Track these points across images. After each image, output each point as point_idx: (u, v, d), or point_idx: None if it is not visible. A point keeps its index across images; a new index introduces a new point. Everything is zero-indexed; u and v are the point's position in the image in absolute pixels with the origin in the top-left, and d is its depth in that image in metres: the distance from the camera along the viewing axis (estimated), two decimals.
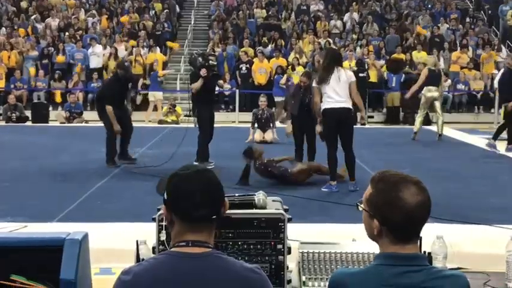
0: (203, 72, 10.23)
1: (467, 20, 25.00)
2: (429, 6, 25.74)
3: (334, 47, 19.01)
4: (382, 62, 21.13)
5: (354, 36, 23.17)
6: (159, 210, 3.64)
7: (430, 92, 13.66)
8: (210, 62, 10.50)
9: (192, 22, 25.11)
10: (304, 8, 25.20)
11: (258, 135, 13.93)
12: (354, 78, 8.42)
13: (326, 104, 8.29)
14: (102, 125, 10.85)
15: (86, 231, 3.00)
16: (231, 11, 24.86)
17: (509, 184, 9.22)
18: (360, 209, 2.17)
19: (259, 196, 3.53)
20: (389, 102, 20.19)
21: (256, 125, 14.07)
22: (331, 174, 8.50)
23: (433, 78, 13.64)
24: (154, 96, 19.87)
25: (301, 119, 9.83)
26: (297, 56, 21.00)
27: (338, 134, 8.39)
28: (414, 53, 21.30)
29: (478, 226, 6.41)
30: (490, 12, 25.90)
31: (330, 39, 22.18)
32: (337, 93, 8.21)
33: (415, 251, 2.11)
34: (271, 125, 14.07)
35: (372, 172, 9.69)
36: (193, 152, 10.45)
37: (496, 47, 22.29)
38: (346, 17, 24.43)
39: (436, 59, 16.45)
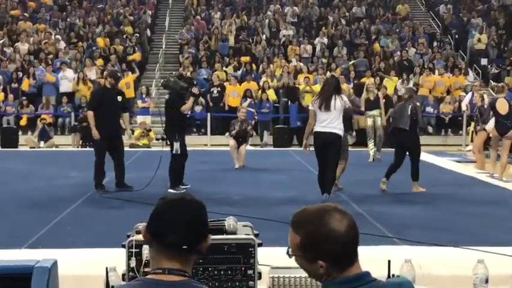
0: (196, 90, 10.30)
1: (435, 44, 25.42)
2: (397, 30, 26.13)
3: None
4: (351, 85, 21.33)
5: (324, 60, 23.40)
6: (128, 236, 3.63)
7: (370, 117, 14.78)
8: (194, 81, 10.63)
9: (163, 46, 25.15)
10: (275, 31, 25.42)
11: (233, 144, 13.39)
12: (348, 104, 9.25)
13: (316, 128, 9.08)
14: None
15: (55, 258, 2.98)
16: (202, 35, 24.96)
17: (476, 206, 9.33)
18: (293, 257, 2.15)
19: (230, 221, 3.54)
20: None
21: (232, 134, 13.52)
22: (322, 190, 9.15)
23: (372, 104, 14.73)
24: (145, 120, 19.67)
25: None
26: (268, 79, 21.13)
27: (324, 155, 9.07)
28: (386, 80, 21.52)
29: (446, 248, 6.48)
30: (457, 36, 26.38)
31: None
32: (329, 118, 8.94)
33: (359, 270, 2.12)
34: (247, 140, 13.73)
35: (342, 195, 9.79)
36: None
37: (463, 71, 22.66)
38: (316, 41, 24.68)
39: (373, 83, 17.08)
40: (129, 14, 26.38)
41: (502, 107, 11.77)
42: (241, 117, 13.63)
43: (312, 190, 10.27)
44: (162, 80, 10.85)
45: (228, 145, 13.80)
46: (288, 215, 7.44)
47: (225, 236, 3.46)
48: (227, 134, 13.65)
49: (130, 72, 21.76)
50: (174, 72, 18.53)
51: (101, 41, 23.99)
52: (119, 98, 10.51)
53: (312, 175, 12.37)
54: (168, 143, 10.36)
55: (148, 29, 26.04)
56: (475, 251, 5.96)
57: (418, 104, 11.07)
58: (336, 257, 2.07)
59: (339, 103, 8.97)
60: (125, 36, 24.59)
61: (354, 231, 2.10)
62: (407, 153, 10.45)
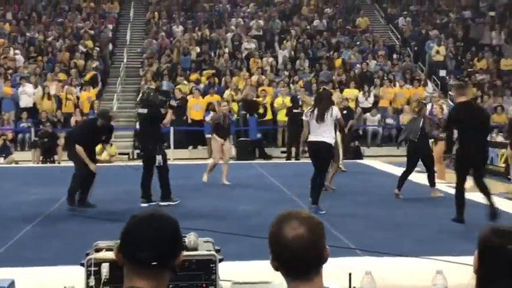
0: (174, 103, 10.56)
1: (395, 56, 25.78)
2: (358, 43, 26.43)
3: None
4: (313, 98, 21.49)
5: (286, 73, 23.53)
6: (87, 255, 3.57)
7: None
8: (171, 94, 10.67)
9: (125, 60, 25.00)
10: (237, 44, 25.48)
11: (216, 144, 12.90)
12: (339, 115, 9.91)
13: (310, 137, 9.76)
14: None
15: (13, 277, 2.92)
16: (164, 49, 24.89)
17: (436, 216, 9.44)
18: None
19: (190, 237, 3.51)
20: None
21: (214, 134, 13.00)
22: (313, 198, 9.69)
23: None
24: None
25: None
26: (232, 92, 21.15)
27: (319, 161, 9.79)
28: (346, 90, 21.74)
29: (408, 258, 6.54)
30: (416, 48, 26.78)
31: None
32: (322, 129, 9.59)
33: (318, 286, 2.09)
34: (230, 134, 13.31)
35: (304, 206, 9.81)
36: (135, 190, 10.36)
37: (422, 82, 22.99)
38: (279, 54, 24.81)
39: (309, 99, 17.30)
40: (89, 28, 26.17)
41: None
42: (223, 111, 13.19)
43: (276, 202, 10.29)
44: (140, 95, 10.90)
45: (192, 158, 13.78)
46: (253, 228, 7.45)
47: (185, 253, 3.43)
48: (212, 135, 13.09)
49: (91, 87, 21.56)
50: (150, 86, 18.49)
51: (62, 55, 23.74)
52: (103, 137, 10.68)
53: (275, 187, 12.43)
54: (144, 157, 10.51)
55: (110, 43, 25.87)
56: (436, 261, 6.02)
57: (428, 116, 12.07)
58: (283, 263, 2.07)
59: (332, 115, 9.64)
60: (85, 50, 24.38)
61: (303, 244, 2.05)
62: (419, 161, 11.36)
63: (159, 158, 10.29)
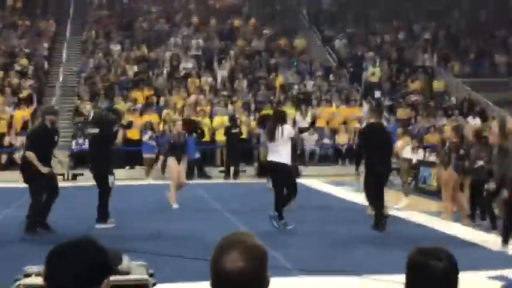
0: (125, 122, 10.48)
1: (331, 77, 26.18)
2: (295, 64, 26.73)
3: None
4: (252, 117, 21.58)
5: (225, 93, 23.58)
6: (16, 280, 3.46)
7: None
8: (120, 113, 10.70)
9: (61, 79, 24.55)
10: (176, 64, 25.40)
11: (173, 163, 12.63)
12: (293, 134, 10.30)
13: (268, 157, 10.18)
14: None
15: None
16: (100, 67, 24.58)
17: (371, 235, 9.56)
18: None
19: (123, 261, 3.45)
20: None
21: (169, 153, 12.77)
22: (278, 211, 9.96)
23: None
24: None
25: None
26: (170, 111, 21.02)
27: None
28: (283, 108, 21.90)
29: (346, 277, 6.59)
30: (352, 69, 27.27)
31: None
32: (275, 148, 9.88)
33: None
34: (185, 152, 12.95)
35: (242, 227, 9.79)
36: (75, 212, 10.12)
37: (358, 103, 23.42)
38: (217, 74, 24.85)
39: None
40: (24, 46, 25.63)
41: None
42: (177, 130, 13.01)
43: (214, 223, 10.24)
44: (92, 115, 10.86)
45: (129, 178, 13.53)
46: (191, 250, 7.35)
47: (117, 277, 3.36)
48: (167, 156, 12.67)
49: (26, 106, 21.08)
50: (102, 106, 18.26)
51: None
52: (56, 138, 10.27)
53: (213, 207, 12.37)
54: (97, 177, 10.36)
55: (45, 61, 25.38)
56: (368, 279, 6.09)
57: None
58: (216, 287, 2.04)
59: (283, 134, 9.88)
60: (20, 68, 23.85)
61: (240, 278, 2.00)
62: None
63: (111, 178, 10.32)
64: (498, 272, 6.85)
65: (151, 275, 3.45)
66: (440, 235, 9.36)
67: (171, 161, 12.56)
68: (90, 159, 10.29)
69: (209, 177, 19.55)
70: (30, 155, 9.68)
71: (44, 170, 9.68)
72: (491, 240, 9.06)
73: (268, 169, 10.32)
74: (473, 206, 10.62)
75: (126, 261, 3.45)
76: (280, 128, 9.92)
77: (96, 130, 10.45)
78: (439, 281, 2.28)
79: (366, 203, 11.78)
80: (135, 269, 3.50)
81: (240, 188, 16.61)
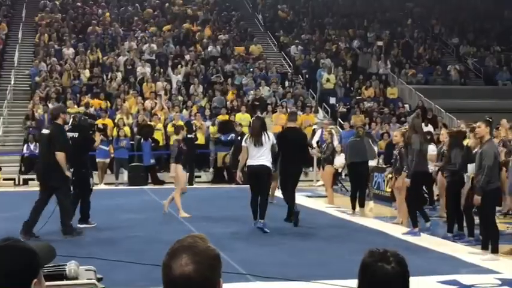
0: (101, 125, 11.27)
1: (287, 83, 26.29)
2: (251, 69, 26.78)
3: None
4: (209, 123, 21.50)
5: (180, 98, 23.45)
6: None
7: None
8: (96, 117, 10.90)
9: (12, 82, 24.06)
10: (130, 68, 25.16)
11: (181, 170, 12.26)
12: (274, 141, 10.65)
13: (249, 162, 10.49)
14: None
15: None
16: (53, 71, 24.17)
17: (325, 240, 9.61)
18: None
19: (71, 266, 3.37)
20: (219, 162, 20.48)
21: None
22: (254, 214, 10.47)
23: None
24: None
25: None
26: (124, 116, 20.79)
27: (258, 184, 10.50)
28: (238, 114, 21.90)
29: (297, 283, 6.59)
30: (307, 76, 27.46)
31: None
32: (260, 153, 10.36)
33: None
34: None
35: (194, 230, 9.70)
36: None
37: (313, 109, 23.54)
38: (173, 79, 24.70)
39: None
40: None
41: None
42: (182, 136, 12.83)
43: (167, 228, 10.15)
44: (71, 120, 10.97)
45: None
46: (142, 254, 7.25)
47: (64, 282, 3.28)
48: (175, 163, 12.10)
49: None
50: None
51: None
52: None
53: (166, 213, 12.25)
54: (78, 181, 10.41)
55: None
56: (323, 285, 6.10)
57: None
58: None
59: (267, 138, 10.47)
60: None
61: (187, 284, 1.97)
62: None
63: (92, 180, 10.73)
64: (450, 277, 6.94)
65: (99, 280, 3.37)
66: (396, 241, 9.45)
67: (180, 168, 12.24)
68: (71, 164, 10.08)
69: (162, 183, 19.36)
70: (62, 157, 9.56)
71: (68, 173, 9.78)
72: (448, 246, 9.19)
73: (251, 172, 10.51)
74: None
75: (74, 266, 3.36)
76: (265, 134, 10.53)
77: (75, 134, 10.60)
78: (387, 284, 2.29)
79: (319, 207, 11.84)
80: (83, 273, 3.42)
81: (194, 193, 16.52)
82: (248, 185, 10.67)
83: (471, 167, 9.16)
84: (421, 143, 10.25)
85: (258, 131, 10.55)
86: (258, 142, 10.42)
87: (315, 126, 20.65)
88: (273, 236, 9.96)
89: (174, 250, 2.03)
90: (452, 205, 10.12)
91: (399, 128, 15.01)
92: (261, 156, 10.40)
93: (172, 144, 11.75)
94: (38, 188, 10.19)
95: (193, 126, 20.15)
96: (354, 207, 12.15)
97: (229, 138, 20.57)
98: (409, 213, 10.36)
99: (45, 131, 10.34)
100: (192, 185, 18.82)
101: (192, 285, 1.97)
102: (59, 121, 10.04)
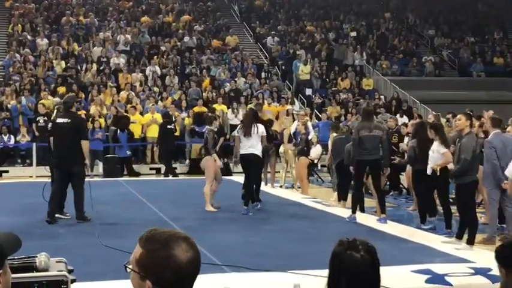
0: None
1: (263, 74, 26.28)
2: (227, 60, 26.72)
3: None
4: (184, 114, 21.40)
5: (156, 89, 23.32)
6: None
7: None
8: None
9: None
10: (105, 60, 24.96)
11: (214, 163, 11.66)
12: (265, 133, 11.34)
13: (241, 151, 11.25)
14: None
15: None
16: (26, 62, 23.89)
17: (299, 231, 9.64)
18: (129, 270, 2.06)
19: (41, 258, 3.32)
20: (193, 153, 20.40)
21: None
22: (245, 200, 11.25)
23: None
24: None
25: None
26: (99, 108, 20.62)
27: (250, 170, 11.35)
28: (215, 105, 21.84)
29: (268, 273, 6.60)
30: (283, 67, 27.47)
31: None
32: (250, 143, 11.10)
33: None
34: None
35: (172, 223, 9.69)
36: None
37: (289, 100, 23.55)
38: (147, 70, 24.55)
39: None
40: None
41: None
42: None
43: (142, 221, 10.11)
44: (62, 105, 10.87)
45: None
46: (118, 247, 7.14)
47: (34, 274, 3.24)
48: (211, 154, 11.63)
49: None
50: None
51: None
52: None
53: (144, 205, 12.19)
54: (75, 173, 10.28)
55: None
56: (294, 274, 6.12)
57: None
58: (165, 286, 1.97)
59: (258, 131, 11.11)
60: None
61: (194, 267, 2.01)
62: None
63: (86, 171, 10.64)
64: (423, 266, 7.00)
65: (70, 272, 3.34)
66: (370, 230, 9.51)
67: (211, 160, 11.60)
68: (60, 153, 10.03)
69: (138, 175, 19.27)
70: (88, 145, 10.55)
71: (88, 161, 10.51)
72: (419, 235, 9.28)
73: (243, 160, 11.29)
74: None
75: (44, 258, 3.33)
76: (255, 125, 11.14)
77: (66, 120, 10.31)
78: (356, 272, 2.31)
79: (295, 198, 11.87)
80: (53, 265, 3.39)
81: (171, 185, 16.49)
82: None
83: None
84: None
85: (248, 122, 11.23)
86: (247, 133, 11.10)
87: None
88: (248, 227, 9.97)
89: (170, 237, 2.02)
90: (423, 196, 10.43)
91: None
92: (250, 146, 11.11)
93: (206, 133, 11.59)
94: (12, 180, 10.10)
95: (173, 117, 20.06)
96: (355, 211, 10.71)
97: (204, 129, 20.50)
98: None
99: (62, 120, 10.36)
100: (168, 176, 18.78)
101: (196, 266, 2.03)
102: (74, 110, 10.59)
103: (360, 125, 10.54)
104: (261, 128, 11.27)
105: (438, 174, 9.49)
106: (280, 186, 15.37)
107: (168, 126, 19.09)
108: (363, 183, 11.30)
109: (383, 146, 10.26)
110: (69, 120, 10.25)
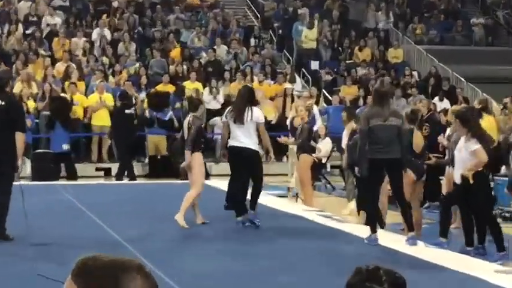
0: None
1: (253, 41, 26.24)
2: (203, 22, 26.67)
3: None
4: (143, 95, 21.38)
5: (105, 60, 23.29)
6: None
7: None
8: None
9: None
10: (35, 19, 24.89)
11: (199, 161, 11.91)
12: (262, 120, 11.53)
13: (230, 142, 11.39)
14: None
15: None
16: None
17: (302, 255, 9.69)
18: None
19: None
20: (151, 149, 20.24)
21: None
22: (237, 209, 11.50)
23: None
24: None
25: None
26: (25, 85, 20.53)
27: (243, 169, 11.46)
28: (186, 83, 21.84)
29: None
30: (280, 32, 27.43)
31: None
32: (243, 132, 11.15)
33: None
34: None
35: (127, 245, 9.70)
36: None
37: (288, 77, 23.55)
38: (94, 34, 24.50)
39: None
40: None
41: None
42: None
43: (88, 234, 10.13)
44: None
45: None
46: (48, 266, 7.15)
47: None
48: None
49: None
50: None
51: None
52: None
53: (89, 219, 12.19)
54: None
55: None
56: None
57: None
58: None
59: (252, 117, 11.12)
60: None
61: None
62: None
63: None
64: None
65: None
66: (396, 254, 9.57)
67: (198, 158, 11.74)
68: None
69: (77, 177, 19.22)
70: (23, 139, 10.45)
71: (20, 160, 10.61)
72: (464, 261, 9.33)
73: (233, 155, 11.39)
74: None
75: None
76: (249, 109, 11.13)
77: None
78: None
79: (294, 211, 11.92)
80: None
81: (129, 192, 16.49)
82: None
83: None
84: None
85: (240, 104, 11.31)
86: (238, 119, 11.15)
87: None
88: (231, 250, 10.02)
89: (119, 271, 2.04)
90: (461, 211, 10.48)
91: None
92: (242, 136, 11.17)
93: (190, 122, 11.50)
94: None
95: (133, 99, 20.00)
96: (375, 229, 10.67)
97: (167, 117, 20.48)
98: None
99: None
100: (121, 179, 18.74)
101: None
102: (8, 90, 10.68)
103: (371, 111, 10.54)
104: (257, 113, 11.34)
105: (472, 181, 9.56)
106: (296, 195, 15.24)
107: (127, 111, 18.98)
108: (378, 191, 11.09)
109: (402, 138, 10.24)
110: (3, 103, 10.17)
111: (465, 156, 9.67)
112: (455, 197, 10.25)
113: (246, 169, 11.51)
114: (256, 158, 11.55)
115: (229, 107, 12.01)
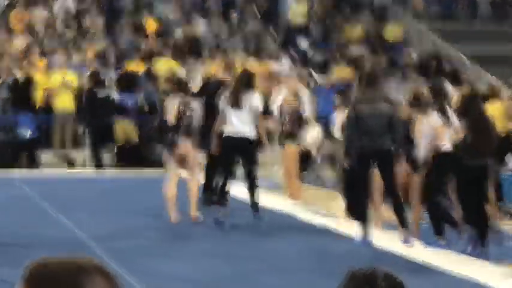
0: None
1: (233, 14, 26.18)
2: None
3: None
4: (113, 74, 21.35)
5: (69, 35, 23.23)
6: None
7: None
8: None
9: None
10: None
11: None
12: (259, 108, 11.76)
13: (227, 128, 11.60)
14: None
15: None
16: None
17: (288, 255, 9.79)
18: None
19: None
20: (120, 136, 20.17)
21: None
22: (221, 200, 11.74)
23: None
24: None
25: None
26: None
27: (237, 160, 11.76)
28: (160, 62, 21.81)
29: None
30: (266, 4, 27.28)
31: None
32: (240, 118, 11.46)
33: None
34: None
35: (94, 244, 9.77)
36: None
37: (273, 56, 23.54)
38: (56, 5, 24.43)
39: None
40: None
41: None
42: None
43: (55, 239, 10.19)
44: None
45: None
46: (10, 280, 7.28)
47: None
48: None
49: None
50: None
51: None
52: None
53: (51, 216, 12.23)
54: None
55: None
56: None
57: None
58: None
59: (252, 101, 11.51)
60: None
61: None
62: None
63: None
64: None
65: None
66: (393, 256, 9.69)
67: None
68: None
69: (39, 166, 19.21)
70: None
71: None
72: (465, 263, 9.46)
73: (228, 144, 11.61)
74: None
75: None
76: (248, 95, 11.57)
77: None
78: None
79: (282, 206, 12.02)
80: None
81: (97, 183, 16.53)
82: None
83: None
84: None
85: (238, 87, 11.68)
86: (235, 103, 11.49)
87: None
88: (210, 250, 10.11)
89: (78, 273, 2.06)
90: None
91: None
92: (240, 122, 11.50)
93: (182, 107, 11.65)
94: None
95: (106, 81, 19.98)
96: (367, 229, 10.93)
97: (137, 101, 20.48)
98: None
99: None
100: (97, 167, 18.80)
101: None
102: None
103: (359, 96, 10.66)
104: (256, 99, 11.70)
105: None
106: None
107: (99, 96, 19.07)
108: (368, 184, 11.11)
109: (394, 127, 10.31)
110: None
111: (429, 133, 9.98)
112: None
113: (241, 159, 11.85)
114: (254, 148, 11.92)
115: (226, 91, 12.11)
